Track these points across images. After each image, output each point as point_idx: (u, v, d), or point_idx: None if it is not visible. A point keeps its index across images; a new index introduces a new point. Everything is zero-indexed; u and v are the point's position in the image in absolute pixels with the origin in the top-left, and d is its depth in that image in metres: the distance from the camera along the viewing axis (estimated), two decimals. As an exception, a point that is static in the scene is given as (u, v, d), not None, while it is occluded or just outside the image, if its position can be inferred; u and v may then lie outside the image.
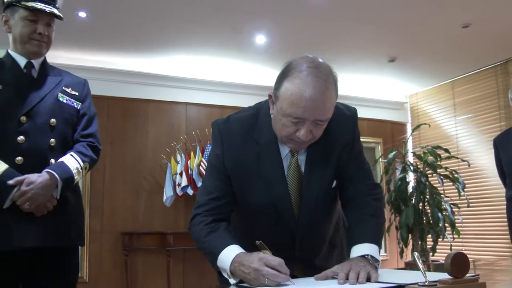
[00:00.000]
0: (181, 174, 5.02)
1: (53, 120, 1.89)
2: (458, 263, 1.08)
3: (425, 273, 1.08)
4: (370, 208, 1.52)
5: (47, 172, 1.80)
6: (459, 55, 5.25)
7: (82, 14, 3.92)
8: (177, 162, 5.09)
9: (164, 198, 5.05)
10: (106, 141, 4.80)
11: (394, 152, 5.17)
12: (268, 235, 1.46)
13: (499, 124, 5.51)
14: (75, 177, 1.89)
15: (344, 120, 1.53)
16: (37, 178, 1.77)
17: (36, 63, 1.94)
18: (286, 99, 1.33)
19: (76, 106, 1.99)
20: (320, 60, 1.38)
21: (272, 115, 1.46)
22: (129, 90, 5.20)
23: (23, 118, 1.82)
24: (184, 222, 5.24)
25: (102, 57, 5.02)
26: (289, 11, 4.07)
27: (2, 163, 1.76)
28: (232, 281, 1.34)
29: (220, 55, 5.12)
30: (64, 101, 1.95)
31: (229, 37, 4.63)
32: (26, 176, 1.76)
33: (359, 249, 1.41)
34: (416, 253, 1.21)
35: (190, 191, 5.00)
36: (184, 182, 4.98)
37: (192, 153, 5.13)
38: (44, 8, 1.85)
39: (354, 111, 1.57)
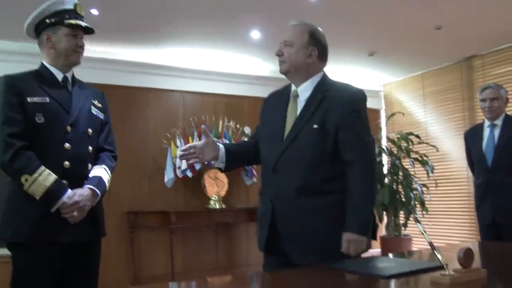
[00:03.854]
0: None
1: (89, 130, 2.00)
2: (468, 256, 1.29)
3: (446, 266, 1.26)
4: (352, 182, 1.79)
5: (90, 188, 1.93)
6: (430, 52, 5.44)
7: (94, 12, 3.92)
8: (177, 146, 5.10)
9: (166, 180, 5.10)
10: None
11: (371, 137, 5.40)
12: (264, 160, 1.93)
13: (462, 114, 5.74)
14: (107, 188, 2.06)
15: (349, 93, 1.88)
16: (84, 191, 1.90)
17: (68, 76, 2.03)
18: None
19: (101, 117, 2.11)
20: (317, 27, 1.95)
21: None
22: (131, 79, 5.16)
23: (69, 128, 1.93)
24: (184, 202, 5.34)
25: (107, 48, 4.97)
26: (282, 10, 4.14)
27: (52, 174, 1.84)
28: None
29: (216, 47, 5.15)
30: (95, 113, 2.06)
31: (225, 31, 4.67)
32: (74, 191, 1.88)
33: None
34: (430, 242, 1.40)
35: (189, 174, 5.07)
36: (183, 165, 5.00)
37: (190, 138, 5.16)
38: (81, 23, 1.98)
39: (362, 94, 1.89)
